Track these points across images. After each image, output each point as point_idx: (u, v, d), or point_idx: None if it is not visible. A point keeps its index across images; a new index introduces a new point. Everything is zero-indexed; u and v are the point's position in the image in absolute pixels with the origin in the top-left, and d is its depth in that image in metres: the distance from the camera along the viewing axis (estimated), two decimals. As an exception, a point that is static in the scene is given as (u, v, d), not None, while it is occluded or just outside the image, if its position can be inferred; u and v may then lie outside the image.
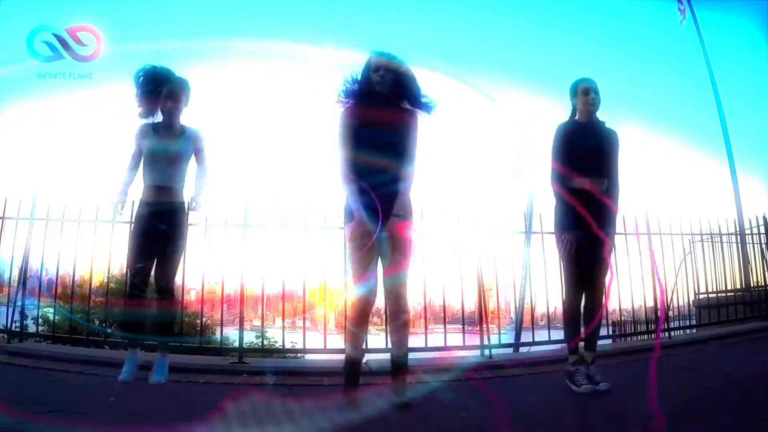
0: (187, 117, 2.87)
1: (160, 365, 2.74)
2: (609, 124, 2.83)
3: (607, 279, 2.72)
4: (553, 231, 2.83)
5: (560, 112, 2.94)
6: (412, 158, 2.44)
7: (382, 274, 2.40)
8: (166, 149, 2.75)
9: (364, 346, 2.56)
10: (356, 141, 2.39)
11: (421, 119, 2.49)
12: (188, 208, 2.79)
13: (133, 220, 2.92)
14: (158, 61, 2.86)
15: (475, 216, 4.02)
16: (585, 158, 2.66)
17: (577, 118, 2.82)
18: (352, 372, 2.41)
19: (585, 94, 2.76)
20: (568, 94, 2.86)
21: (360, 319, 2.41)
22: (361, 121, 2.40)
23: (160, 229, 2.70)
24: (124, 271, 2.89)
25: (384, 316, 3.79)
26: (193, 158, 2.87)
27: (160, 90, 2.77)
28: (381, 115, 2.40)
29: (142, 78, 2.80)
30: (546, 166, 2.78)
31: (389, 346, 2.76)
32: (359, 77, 2.47)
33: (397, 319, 2.38)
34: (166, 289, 2.75)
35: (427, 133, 2.56)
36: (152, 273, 2.77)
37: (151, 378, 2.70)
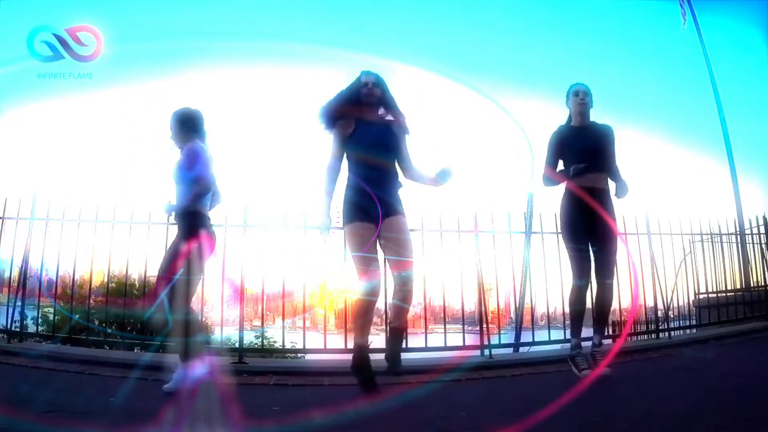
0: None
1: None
2: (602, 122, 2.94)
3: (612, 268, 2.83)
4: (551, 231, 2.88)
5: (561, 113, 2.98)
6: (406, 156, 2.64)
7: (390, 270, 2.54)
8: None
9: (370, 337, 2.59)
10: (351, 141, 2.55)
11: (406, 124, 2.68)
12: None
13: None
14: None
15: (475, 216, 4.01)
16: (578, 159, 2.76)
17: (572, 123, 2.92)
18: (364, 359, 2.47)
19: (575, 95, 2.89)
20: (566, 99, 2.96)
21: (366, 316, 2.50)
22: (354, 123, 2.58)
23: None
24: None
25: (384, 316, 3.79)
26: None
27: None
28: (371, 117, 2.61)
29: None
30: (540, 169, 2.91)
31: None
32: (346, 90, 2.64)
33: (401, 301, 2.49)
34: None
35: (426, 135, 2.65)
36: None
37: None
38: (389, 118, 2.67)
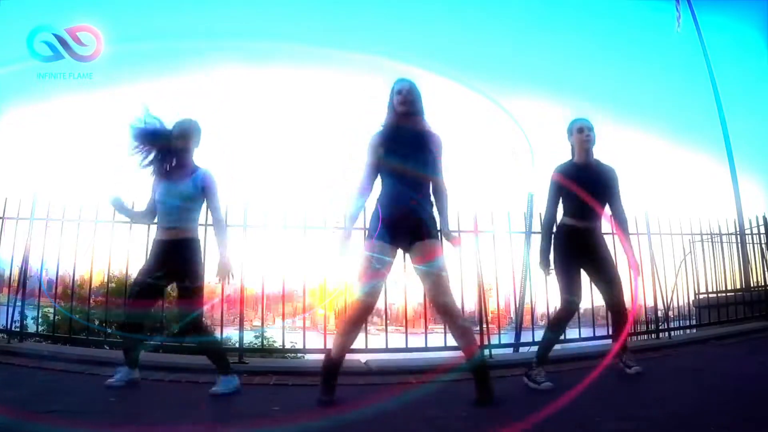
0: (199, 157, 2.80)
1: (225, 382, 2.65)
2: (606, 161, 2.89)
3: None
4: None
5: (559, 114, 2.97)
6: (441, 174, 2.52)
7: (427, 290, 2.45)
8: (175, 191, 2.66)
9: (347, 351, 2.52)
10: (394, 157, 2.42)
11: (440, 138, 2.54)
12: (217, 276, 2.72)
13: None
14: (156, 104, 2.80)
15: (475, 216, 4.01)
16: (579, 199, 2.75)
17: (575, 159, 2.87)
18: (333, 373, 2.41)
19: (579, 132, 2.81)
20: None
21: (359, 321, 2.43)
22: (395, 140, 2.45)
23: (172, 265, 2.63)
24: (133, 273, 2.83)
25: (384, 316, 3.79)
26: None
27: (155, 143, 2.70)
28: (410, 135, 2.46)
29: (137, 134, 2.69)
30: (543, 192, 2.87)
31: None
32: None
33: (456, 326, 2.40)
34: (196, 329, 2.65)
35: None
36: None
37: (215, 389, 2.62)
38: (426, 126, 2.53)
